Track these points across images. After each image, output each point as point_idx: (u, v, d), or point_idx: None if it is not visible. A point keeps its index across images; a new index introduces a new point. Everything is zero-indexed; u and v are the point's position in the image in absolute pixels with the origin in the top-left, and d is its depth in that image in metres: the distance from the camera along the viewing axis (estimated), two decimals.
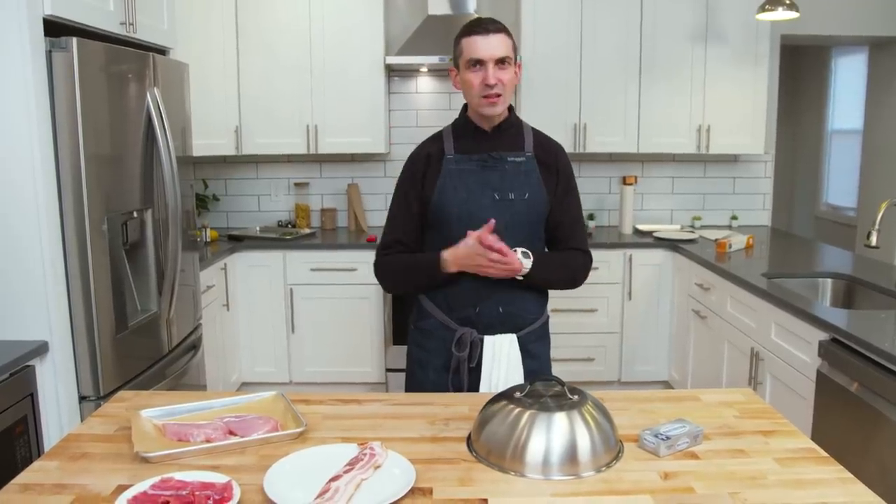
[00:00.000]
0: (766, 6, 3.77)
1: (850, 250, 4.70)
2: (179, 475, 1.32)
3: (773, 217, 5.02)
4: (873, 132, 5.34)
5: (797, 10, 3.73)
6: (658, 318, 4.24)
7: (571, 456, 1.37)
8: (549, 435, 1.38)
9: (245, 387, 4.24)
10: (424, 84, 4.66)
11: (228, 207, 4.79)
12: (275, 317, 4.21)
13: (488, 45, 1.86)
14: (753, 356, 3.04)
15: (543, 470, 1.36)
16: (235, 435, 1.52)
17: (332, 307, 4.20)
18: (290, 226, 4.69)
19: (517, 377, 1.97)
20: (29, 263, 2.28)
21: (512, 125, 2.01)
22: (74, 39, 2.27)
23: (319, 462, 1.38)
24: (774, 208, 5.22)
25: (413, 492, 1.29)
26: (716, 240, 3.99)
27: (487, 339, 1.97)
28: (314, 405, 1.71)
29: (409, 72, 4.61)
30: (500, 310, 1.97)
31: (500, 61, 1.88)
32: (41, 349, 2.27)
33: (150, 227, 2.78)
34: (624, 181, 4.50)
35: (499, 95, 1.89)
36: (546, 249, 2.08)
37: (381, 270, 2.05)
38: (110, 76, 2.49)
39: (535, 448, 1.37)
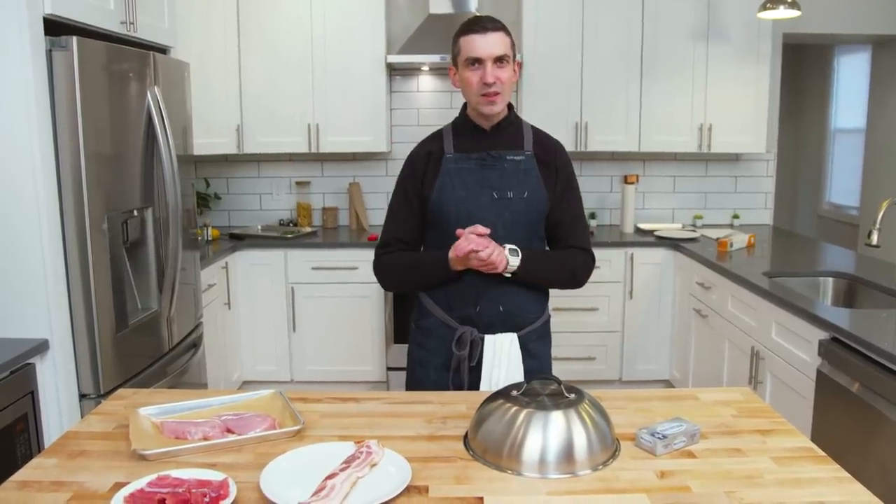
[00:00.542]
0: (768, 4, 3.76)
1: (853, 249, 4.70)
2: (176, 473, 1.32)
3: (775, 216, 5.02)
4: (876, 131, 5.33)
5: (799, 9, 3.72)
6: (659, 317, 4.24)
7: (568, 454, 1.37)
8: (546, 433, 1.38)
9: (246, 385, 4.25)
10: (426, 83, 4.66)
11: (230, 206, 4.80)
12: (276, 315, 4.22)
13: (486, 44, 1.86)
14: (754, 355, 3.03)
15: (540, 468, 1.36)
16: (233, 433, 1.52)
17: (333, 306, 4.20)
18: (291, 224, 4.69)
19: (518, 376, 1.97)
20: (29, 262, 2.28)
21: (511, 123, 2.01)
22: (74, 38, 2.27)
23: (316, 460, 1.38)
24: (777, 207, 5.22)
25: (409, 490, 1.29)
26: (717, 239, 3.98)
27: (488, 338, 1.97)
28: (312, 403, 1.71)
29: (410, 70, 4.62)
30: (501, 308, 1.97)
31: (499, 60, 1.88)
32: (41, 347, 2.28)
33: (150, 226, 2.79)
34: (625, 180, 4.50)
35: (497, 94, 1.89)
36: (547, 248, 2.07)
37: (382, 268, 2.05)
38: (111, 75, 2.49)
39: (532, 446, 1.37)
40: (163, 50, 3.09)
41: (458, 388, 1.99)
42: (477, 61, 1.87)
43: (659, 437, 1.45)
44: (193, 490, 1.25)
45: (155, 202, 2.82)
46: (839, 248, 4.07)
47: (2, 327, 2.31)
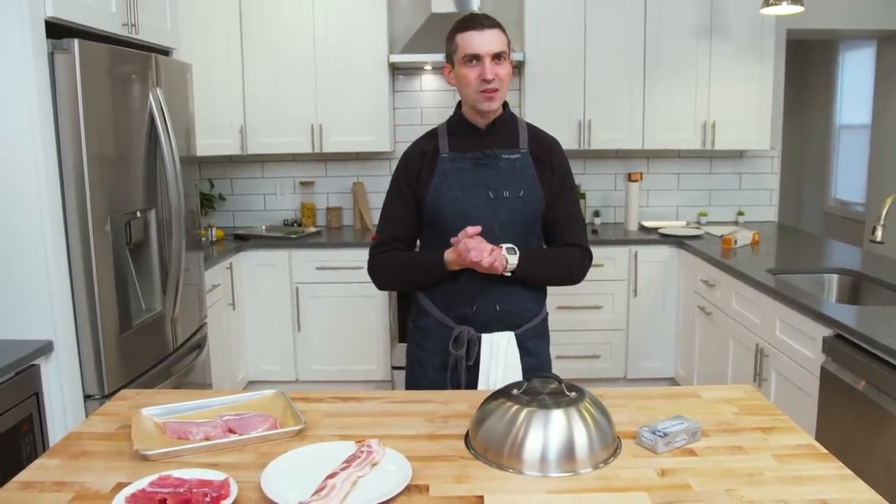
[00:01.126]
0: (771, 0, 3.74)
1: (859, 246, 4.67)
2: (177, 473, 1.32)
3: (781, 213, 5.00)
4: (881, 127, 5.31)
5: (802, 4, 3.70)
6: (663, 315, 4.23)
7: (569, 453, 1.37)
8: (547, 432, 1.38)
9: (252, 385, 4.26)
10: (428, 82, 4.67)
11: (234, 207, 4.81)
12: (281, 315, 4.23)
13: (484, 41, 1.85)
14: (758, 353, 3.02)
15: (541, 467, 1.36)
16: (234, 433, 1.53)
17: (337, 305, 4.21)
18: (295, 225, 4.70)
19: (516, 375, 1.96)
20: (33, 264, 2.30)
21: (506, 122, 2.00)
22: (76, 41, 2.28)
23: (317, 459, 1.38)
24: (783, 204, 5.20)
25: (409, 489, 1.29)
26: (721, 236, 3.97)
27: (485, 337, 1.97)
28: (314, 403, 1.72)
29: (413, 70, 4.62)
30: (497, 307, 1.96)
31: (497, 56, 1.87)
32: (46, 349, 2.29)
33: (153, 227, 2.80)
34: (629, 178, 4.49)
35: (496, 90, 1.88)
36: (544, 246, 2.07)
37: (376, 268, 2.05)
38: (112, 77, 2.50)
39: (533, 445, 1.37)
40: (165, 52, 3.09)
41: (456, 387, 1.98)
42: (475, 58, 1.86)
43: (660, 435, 1.45)
44: (194, 490, 1.25)
45: (158, 203, 2.83)
46: (844, 244, 4.05)
47: (6, 329, 2.33)
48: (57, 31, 2.31)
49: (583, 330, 4.23)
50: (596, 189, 4.77)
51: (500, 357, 1.96)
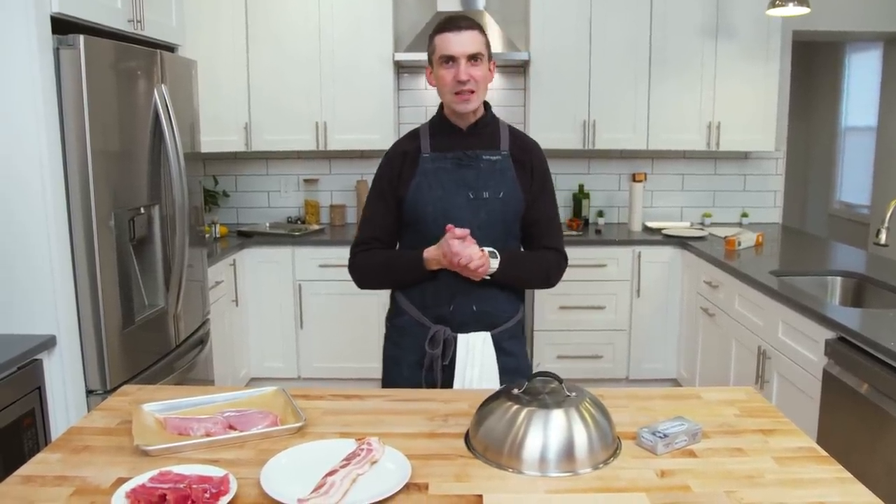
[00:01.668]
0: (777, 2, 3.73)
1: (864, 248, 4.66)
2: (178, 468, 1.33)
3: (786, 215, 4.99)
4: (887, 129, 5.29)
5: (808, 6, 3.69)
6: (666, 316, 4.23)
7: (568, 453, 1.37)
8: (547, 432, 1.38)
9: (254, 382, 4.27)
10: None
11: (238, 203, 4.82)
12: (283, 312, 4.24)
13: (460, 42, 1.87)
14: (761, 354, 3.02)
15: (540, 467, 1.36)
16: (235, 429, 1.53)
17: (340, 303, 4.21)
18: (299, 222, 4.71)
19: (492, 375, 1.97)
20: (37, 259, 2.30)
21: (488, 123, 2.02)
22: (82, 37, 2.29)
23: (316, 457, 1.38)
24: (788, 206, 5.19)
25: (409, 487, 1.29)
26: (725, 237, 3.97)
27: (461, 337, 1.97)
28: (314, 400, 1.72)
29: (418, 68, 4.61)
30: (474, 308, 1.97)
31: (473, 58, 1.88)
32: (49, 343, 2.30)
33: (157, 223, 2.80)
34: (633, 178, 4.48)
35: (472, 92, 1.90)
36: (521, 248, 2.08)
37: (356, 267, 2.06)
38: (118, 73, 2.51)
39: (532, 445, 1.37)
40: (170, 48, 3.10)
41: (431, 386, 2.00)
42: (451, 59, 1.88)
43: (660, 436, 1.45)
44: (194, 486, 1.26)
45: (162, 199, 2.83)
46: (849, 247, 4.05)
47: (9, 323, 2.33)
48: (62, 26, 2.31)
49: (585, 330, 4.23)
50: (600, 189, 4.77)
51: (475, 357, 1.97)
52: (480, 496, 1.28)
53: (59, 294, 2.33)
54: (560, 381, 1.49)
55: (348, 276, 2.04)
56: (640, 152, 4.69)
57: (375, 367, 4.22)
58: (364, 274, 2.06)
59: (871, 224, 5.56)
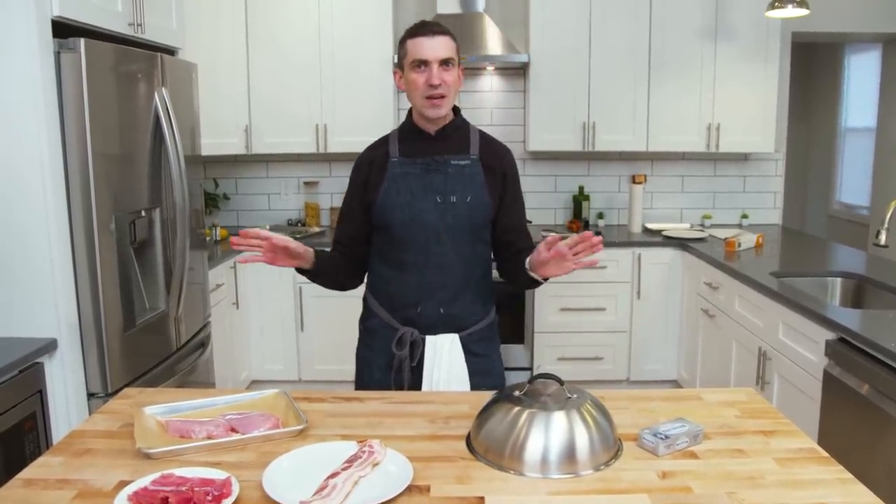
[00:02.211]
0: (776, 3, 3.74)
1: (864, 249, 4.67)
2: (180, 471, 1.33)
3: (786, 216, 4.99)
4: (887, 130, 5.29)
5: (807, 7, 3.70)
6: (667, 317, 4.23)
7: (570, 455, 1.37)
8: (548, 434, 1.38)
9: (255, 384, 4.27)
10: None
11: (238, 206, 4.82)
12: (284, 315, 4.24)
13: (433, 47, 1.89)
14: (761, 356, 3.02)
15: (541, 468, 1.37)
16: (237, 432, 1.53)
17: (340, 306, 4.20)
18: (299, 224, 4.71)
19: (461, 377, 1.99)
20: (38, 262, 2.31)
21: (457, 128, 2.03)
22: (82, 40, 2.29)
23: (318, 459, 1.39)
24: (787, 207, 5.19)
25: (410, 489, 1.29)
26: (725, 239, 3.97)
27: (429, 339, 1.99)
28: (315, 403, 1.72)
29: None
30: (441, 310, 1.99)
31: (444, 62, 1.90)
32: (50, 346, 2.30)
33: (158, 226, 2.80)
34: (633, 180, 4.48)
35: (443, 96, 1.91)
36: (492, 252, 2.09)
37: None
38: (118, 76, 2.51)
39: (534, 447, 1.38)
40: (171, 51, 3.10)
41: (400, 388, 2.01)
42: (423, 63, 1.89)
43: (661, 438, 1.45)
44: (196, 488, 1.26)
45: (162, 202, 2.83)
46: (849, 248, 4.05)
47: (11, 327, 2.34)
48: (63, 30, 2.32)
49: (586, 332, 4.23)
50: (600, 191, 4.77)
51: (443, 358, 1.99)
52: (482, 498, 1.28)
53: (60, 297, 2.34)
54: (561, 382, 1.49)
55: None
56: (640, 154, 4.70)
57: None
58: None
59: (870, 225, 5.56)
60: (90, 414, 2.40)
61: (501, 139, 2.13)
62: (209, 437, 1.50)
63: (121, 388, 2.41)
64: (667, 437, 1.45)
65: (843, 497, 1.29)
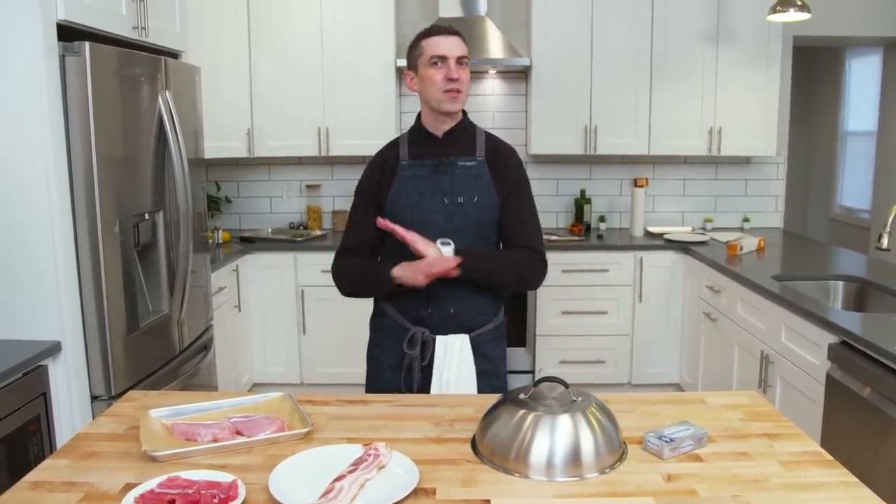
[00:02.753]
0: (778, 7, 3.75)
1: (864, 253, 4.67)
2: (186, 474, 1.33)
3: (787, 219, 4.99)
4: (888, 133, 5.30)
5: (809, 11, 3.71)
6: (669, 321, 4.23)
7: (575, 458, 1.38)
8: (553, 437, 1.39)
9: (256, 387, 4.27)
10: None
11: (241, 209, 4.82)
12: (286, 318, 4.24)
13: (449, 45, 1.95)
14: (763, 359, 3.02)
15: (547, 471, 1.37)
16: (242, 435, 1.53)
17: (342, 308, 4.19)
18: (301, 227, 4.72)
19: (469, 377, 2.02)
20: (42, 264, 2.31)
21: (465, 130, 2.07)
22: (87, 44, 2.30)
23: (324, 462, 1.39)
24: (788, 211, 5.20)
25: (416, 492, 1.30)
26: (727, 242, 3.98)
27: (439, 339, 2.03)
28: (320, 406, 1.73)
29: None
30: (451, 310, 2.02)
31: (460, 60, 1.96)
32: (54, 349, 2.30)
33: (161, 229, 2.81)
34: (635, 183, 4.49)
35: (460, 91, 1.96)
36: None
37: (335, 275, 2.14)
38: (122, 80, 2.52)
39: (539, 450, 1.38)
40: (174, 54, 3.11)
41: (409, 388, 2.04)
42: (441, 59, 1.94)
43: (666, 441, 1.45)
44: (203, 491, 1.26)
45: (166, 205, 2.84)
46: (850, 251, 4.05)
47: (15, 329, 2.34)
48: (68, 33, 2.33)
49: (588, 335, 4.23)
50: (602, 194, 4.78)
51: (453, 358, 2.02)
52: (488, 501, 1.28)
53: (64, 300, 2.34)
54: (566, 385, 1.50)
55: None
56: (642, 157, 4.70)
57: None
58: (340, 283, 2.13)
59: (871, 228, 5.57)
60: (93, 416, 2.41)
61: None
62: (215, 440, 1.50)
63: (124, 391, 2.42)
64: (671, 440, 1.46)
65: (847, 500, 1.29)
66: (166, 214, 2.84)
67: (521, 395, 1.49)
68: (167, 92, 2.79)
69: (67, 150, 2.32)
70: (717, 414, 1.68)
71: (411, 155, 2.05)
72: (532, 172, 4.69)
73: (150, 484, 1.30)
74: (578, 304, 4.18)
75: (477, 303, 2.06)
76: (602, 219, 4.73)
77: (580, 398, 1.47)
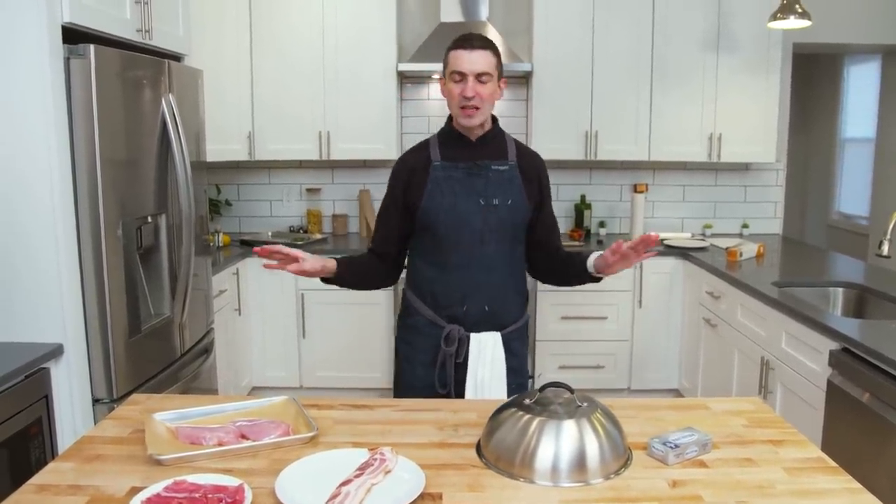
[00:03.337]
0: (778, 14, 3.76)
1: (863, 259, 4.68)
2: (192, 478, 1.33)
3: (785, 226, 5.01)
4: (886, 140, 5.32)
5: (809, 19, 3.72)
6: (668, 326, 4.24)
7: (580, 463, 1.38)
8: (559, 442, 1.39)
9: (256, 391, 4.27)
10: (437, 91, 4.68)
11: (241, 212, 4.82)
12: (286, 321, 4.24)
13: (470, 60, 1.96)
14: (763, 365, 3.03)
15: (552, 477, 1.37)
16: (247, 439, 1.54)
17: (343, 312, 4.21)
18: (301, 231, 4.72)
19: (500, 374, 2.07)
20: (45, 266, 2.31)
21: (496, 136, 2.12)
22: (92, 46, 2.30)
23: (330, 466, 1.39)
24: (787, 217, 5.21)
25: (423, 497, 1.30)
26: (726, 248, 3.98)
27: (473, 336, 2.06)
28: (325, 410, 1.73)
29: (421, 78, 4.64)
30: (486, 308, 2.06)
31: (481, 76, 1.96)
32: (56, 352, 2.30)
33: (163, 232, 2.81)
34: (635, 189, 4.50)
35: (476, 108, 1.99)
36: (525, 251, 2.18)
37: None
38: (126, 82, 2.52)
39: (544, 455, 1.38)
40: (177, 57, 3.12)
41: (444, 384, 2.07)
42: (460, 75, 1.97)
43: (671, 447, 1.46)
44: (209, 495, 1.26)
45: (168, 208, 2.84)
46: (849, 258, 4.06)
47: (17, 331, 2.34)
48: (73, 36, 2.33)
49: (587, 340, 4.24)
50: (602, 200, 4.78)
51: (486, 355, 2.06)
52: None
53: (66, 302, 2.34)
54: (571, 391, 1.50)
55: None
56: (642, 163, 4.71)
57: (378, 377, 4.28)
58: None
59: (870, 235, 5.58)
60: (95, 419, 2.41)
61: None
62: (220, 444, 1.50)
63: (126, 395, 2.42)
64: (676, 445, 1.46)
65: None
66: (169, 217, 2.84)
67: (527, 401, 1.49)
68: (170, 95, 2.80)
69: (71, 153, 2.32)
70: (720, 420, 1.69)
71: (443, 157, 2.08)
72: None
73: (156, 487, 1.30)
74: (578, 309, 4.18)
75: (509, 301, 2.11)
76: (602, 224, 4.74)
77: (585, 404, 1.47)
